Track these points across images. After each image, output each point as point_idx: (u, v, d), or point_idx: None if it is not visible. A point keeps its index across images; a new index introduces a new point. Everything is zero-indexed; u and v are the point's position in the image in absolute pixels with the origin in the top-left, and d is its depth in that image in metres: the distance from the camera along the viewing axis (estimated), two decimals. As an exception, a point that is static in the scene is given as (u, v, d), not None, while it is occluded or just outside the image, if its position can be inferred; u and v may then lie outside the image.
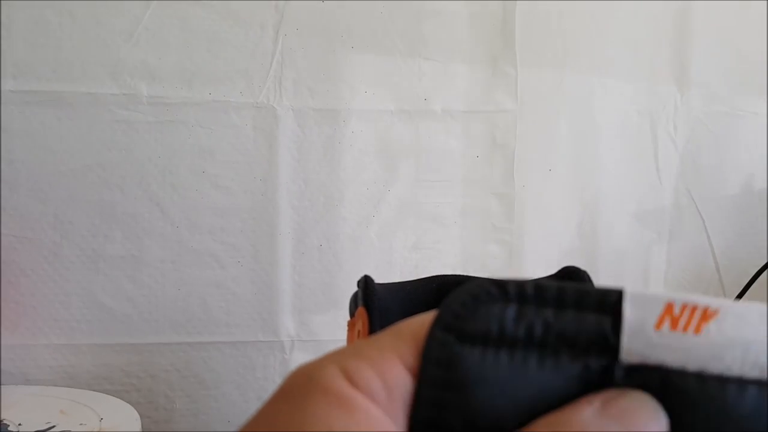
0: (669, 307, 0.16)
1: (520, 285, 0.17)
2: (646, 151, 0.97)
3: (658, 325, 0.16)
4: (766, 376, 0.16)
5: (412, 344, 0.16)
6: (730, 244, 0.99)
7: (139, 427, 0.66)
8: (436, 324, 0.17)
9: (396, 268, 0.88)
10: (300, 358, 0.84)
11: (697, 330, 0.16)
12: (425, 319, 0.17)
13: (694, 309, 0.16)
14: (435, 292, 0.55)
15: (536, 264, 0.92)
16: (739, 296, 0.81)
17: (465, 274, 0.57)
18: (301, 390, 0.15)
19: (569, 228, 0.95)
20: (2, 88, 0.75)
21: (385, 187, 0.88)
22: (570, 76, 0.93)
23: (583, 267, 0.54)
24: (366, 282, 0.50)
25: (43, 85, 0.76)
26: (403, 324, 0.17)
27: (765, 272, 0.80)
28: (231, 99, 0.82)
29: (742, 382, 0.16)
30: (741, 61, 0.98)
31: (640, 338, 0.16)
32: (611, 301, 0.17)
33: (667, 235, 0.98)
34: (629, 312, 0.16)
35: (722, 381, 0.16)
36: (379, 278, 0.58)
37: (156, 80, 0.79)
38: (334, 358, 0.16)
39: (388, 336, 0.16)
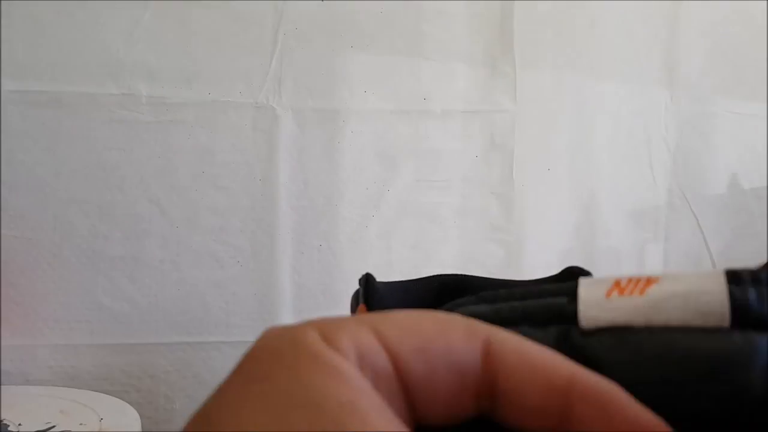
0: (617, 282, 0.18)
1: (494, 292, 0.20)
2: (640, 152, 0.97)
3: (608, 294, 0.18)
4: (707, 323, 0.17)
5: (393, 327, 0.16)
6: (727, 243, 0.99)
7: (139, 427, 0.66)
8: None
9: (395, 268, 0.88)
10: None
11: (642, 292, 0.18)
12: (416, 316, 0.17)
13: (638, 279, 0.18)
14: (435, 291, 0.55)
15: (535, 263, 0.92)
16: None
17: (465, 273, 0.57)
18: (290, 355, 0.15)
19: (567, 227, 0.95)
20: (2, 88, 0.75)
21: (385, 186, 0.88)
22: (568, 77, 0.93)
23: (580, 266, 0.54)
24: (367, 280, 0.50)
25: (43, 85, 0.76)
26: (391, 312, 0.17)
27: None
28: (230, 99, 0.82)
29: (687, 330, 0.17)
30: (730, 63, 0.98)
31: (593, 305, 0.18)
32: (569, 288, 0.19)
33: (662, 234, 0.99)
34: (583, 290, 0.19)
35: (669, 330, 0.17)
36: (378, 278, 0.58)
37: (155, 80, 0.79)
38: (313, 323, 0.16)
39: (373, 315, 0.17)
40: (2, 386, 0.74)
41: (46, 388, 0.75)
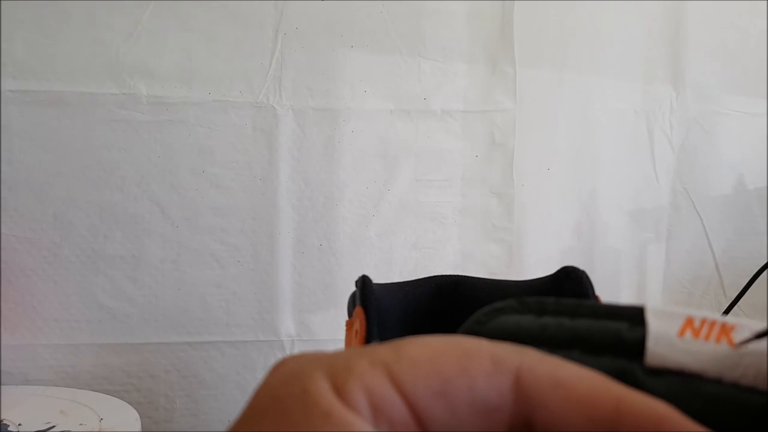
0: (689, 321, 0.17)
1: (540, 300, 0.18)
2: (643, 151, 0.97)
3: (682, 332, 0.17)
4: None
5: (408, 368, 0.15)
6: (730, 243, 0.99)
7: (139, 427, 0.66)
8: (461, 330, 0.18)
9: (396, 268, 0.88)
10: (300, 357, 0.84)
11: (717, 340, 0.17)
12: (431, 344, 0.15)
13: (713, 323, 0.17)
14: (433, 292, 0.55)
15: (535, 263, 0.92)
16: (740, 296, 0.82)
17: (463, 274, 0.57)
18: (300, 413, 0.14)
19: (568, 227, 0.95)
20: (2, 88, 0.75)
21: (385, 186, 0.88)
22: (568, 76, 0.93)
23: (581, 266, 0.54)
24: (363, 282, 0.50)
25: (43, 85, 0.76)
26: (406, 343, 0.16)
27: (765, 272, 0.80)
28: (230, 98, 0.82)
29: (757, 392, 0.16)
30: (734, 61, 0.98)
31: (664, 342, 0.17)
32: (629, 311, 0.18)
33: (665, 234, 0.98)
34: (653, 320, 0.17)
35: (740, 388, 0.16)
36: (378, 278, 0.58)
37: (155, 80, 0.79)
38: (324, 367, 0.15)
39: (386, 352, 0.15)
40: (2, 386, 0.74)
41: (46, 388, 0.75)
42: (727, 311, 0.83)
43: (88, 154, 0.78)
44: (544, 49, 0.92)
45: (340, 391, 0.14)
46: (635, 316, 0.18)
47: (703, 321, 0.17)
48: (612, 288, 0.97)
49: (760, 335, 0.17)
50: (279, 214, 0.84)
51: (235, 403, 0.82)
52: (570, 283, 0.51)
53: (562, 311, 0.18)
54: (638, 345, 0.17)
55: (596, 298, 0.51)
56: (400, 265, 0.88)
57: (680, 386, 0.17)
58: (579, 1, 0.92)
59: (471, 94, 0.90)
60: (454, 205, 0.90)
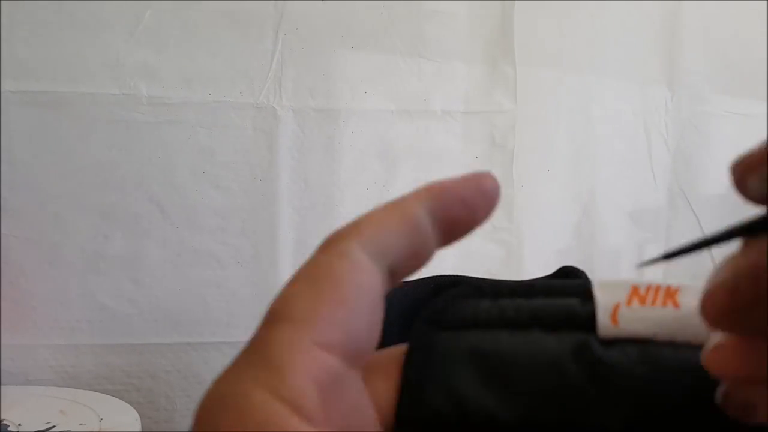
0: (635, 289, 0.18)
1: (495, 284, 0.20)
2: (640, 152, 0.97)
3: (629, 301, 0.18)
4: None
5: (325, 317, 0.17)
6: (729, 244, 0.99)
7: (139, 427, 0.66)
8: (420, 319, 0.19)
9: (396, 268, 0.88)
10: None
11: (664, 304, 0.18)
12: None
13: (657, 288, 0.18)
14: (432, 292, 0.55)
15: (535, 263, 0.92)
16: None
17: (462, 274, 0.57)
18: (239, 424, 0.15)
19: (567, 227, 0.95)
20: (2, 88, 0.75)
21: (386, 187, 0.88)
22: (568, 77, 0.93)
23: (580, 267, 0.54)
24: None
25: (43, 85, 0.76)
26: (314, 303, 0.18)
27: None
28: (231, 99, 0.82)
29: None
30: (728, 63, 0.98)
31: (613, 313, 0.18)
32: (578, 287, 0.19)
33: (663, 234, 0.99)
34: (600, 294, 0.18)
35: (693, 348, 0.17)
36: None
37: (156, 80, 0.79)
38: (264, 381, 0.16)
39: (297, 322, 0.17)
40: (2, 386, 0.74)
41: (46, 388, 0.75)
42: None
43: (88, 154, 0.78)
44: (544, 50, 0.92)
45: (283, 397, 0.15)
46: (585, 291, 0.18)
47: (648, 288, 0.18)
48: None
49: (667, 256, 0.17)
50: (279, 215, 0.84)
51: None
52: (569, 283, 0.51)
53: (518, 292, 0.19)
54: (591, 319, 0.18)
55: None
56: (400, 265, 0.88)
57: (636, 354, 0.17)
58: (578, 2, 0.93)
59: (471, 95, 0.90)
60: (455, 205, 0.90)
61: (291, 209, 0.84)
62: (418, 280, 0.58)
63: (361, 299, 0.17)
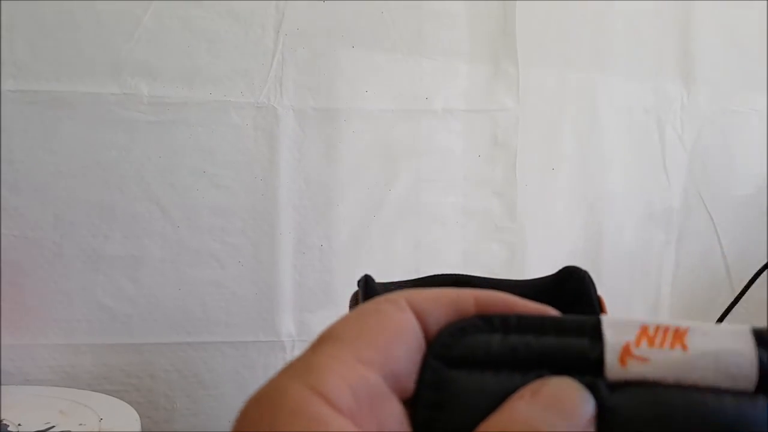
0: (644, 329, 0.18)
1: (504, 317, 0.19)
2: (653, 151, 0.96)
3: (638, 342, 0.18)
4: (737, 385, 0.17)
5: (368, 339, 0.18)
6: (741, 246, 0.98)
7: (138, 427, 0.66)
8: (429, 353, 0.19)
9: (397, 268, 0.88)
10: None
11: (672, 346, 0.18)
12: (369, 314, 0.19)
13: (666, 329, 0.18)
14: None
15: (539, 264, 0.91)
16: (740, 295, 0.81)
17: (465, 273, 0.57)
18: (271, 413, 0.16)
19: (573, 228, 0.94)
20: (2, 88, 0.75)
21: (386, 186, 0.87)
22: (573, 74, 0.93)
23: (587, 268, 0.54)
24: (366, 281, 0.50)
25: (43, 85, 0.76)
26: (350, 323, 0.19)
27: (766, 272, 0.79)
28: (231, 99, 0.82)
29: (718, 392, 0.17)
30: (746, 57, 0.97)
31: (621, 355, 0.18)
32: (589, 326, 0.18)
33: (675, 236, 0.97)
34: (609, 333, 0.18)
35: (701, 391, 0.17)
36: (380, 278, 0.58)
37: (156, 80, 0.79)
38: (300, 377, 0.17)
39: (342, 341, 0.18)
40: (2, 386, 0.74)
41: (46, 388, 0.75)
42: (727, 311, 0.82)
43: (88, 154, 0.78)
44: (547, 48, 0.92)
45: (321, 393, 0.16)
46: (594, 330, 0.18)
47: (657, 328, 0.18)
48: (621, 292, 0.96)
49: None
50: (280, 215, 0.84)
51: (235, 403, 0.82)
52: (572, 282, 0.51)
53: (528, 328, 0.19)
54: (600, 362, 0.18)
55: (599, 298, 0.50)
56: (401, 265, 0.88)
57: (642, 398, 0.17)
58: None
59: (473, 94, 0.89)
60: (456, 205, 0.90)
61: (291, 209, 0.84)
62: (421, 278, 0.58)
63: (403, 334, 0.19)
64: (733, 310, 0.83)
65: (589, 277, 0.53)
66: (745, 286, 0.80)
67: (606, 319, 0.18)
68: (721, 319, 0.83)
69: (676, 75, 0.95)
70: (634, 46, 0.94)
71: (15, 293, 0.77)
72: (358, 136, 0.86)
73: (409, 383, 0.18)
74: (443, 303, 0.20)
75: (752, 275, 0.81)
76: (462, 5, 0.88)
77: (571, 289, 0.51)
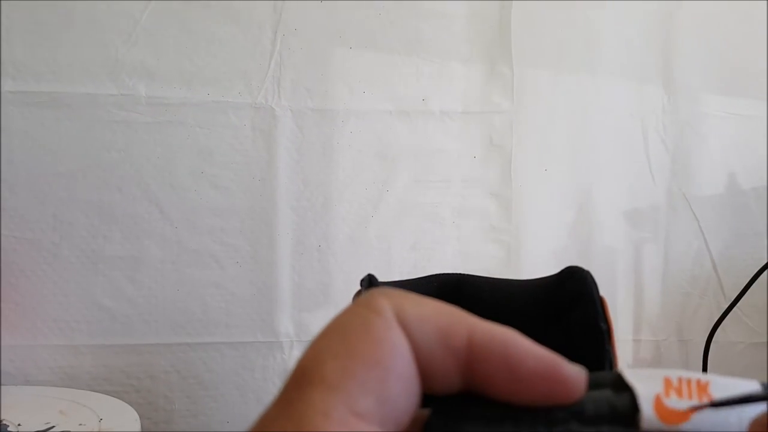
0: (668, 381, 0.18)
1: (503, 413, 0.18)
2: (638, 152, 0.98)
3: (667, 393, 0.17)
4: None
5: (360, 381, 0.16)
6: (727, 244, 0.99)
7: (138, 427, 0.66)
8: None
9: (395, 268, 0.88)
10: (299, 358, 0.84)
11: (700, 398, 0.17)
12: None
13: (689, 381, 0.18)
14: (436, 290, 0.55)
15: (534, 263, 0.92)
16: (739, 297, 0.82)
17: (465, 273, 0.57)
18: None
19: (565, 227, 0.95)
20: (2, 89, 0.75)
21: (384, 187, 0.88)
22: (565, 78, 0.94)
23: (579, 266, 0.55)
24: (370, 280, 0.51)
25: (43, 85, 0.76)
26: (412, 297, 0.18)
27: (765, 273, 0.80)
28: (229, 99, 0.82)
29: None
30: (724, 64, 0.99)
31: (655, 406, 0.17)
32: (608, 379, 0.18)
33: (663, 234, 0.99)
34: (637, 384, 0.18)
35: None
36: (378, 278, 0.58)
37: (154, 81, 0.80)
38: (342, 394, 0.16)
39: (330, 388, 0.16)
40: (2, 386, 0.74)
41: (45, 388, 0.75)
42: (726, 312, 0.83)
43: (87, 154, 0.78)
44: (541, 51, 0.92)
45: (359, 413, 0.16)
46: (616, 382, 0.18)
47: (680, 380, 0.18)
48: (609, 288, 0.97)
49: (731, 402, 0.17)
50: (278, 215, 0.84)
51: (234, 404, 0.82)
52: (573, 282, 0.52)
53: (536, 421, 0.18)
54: (630, 412, 0.17)
55: (601, 299, 0.51)
56: (399, 265, 0.88)
57: None
58: (575, 3, 0.93)
59: (469, 96, 0.90)
60: (453, 205, 0.91)
61: (289, 209, 0.85)
62: (421, 278, 0.58)
63: (396, 365, 0.17)
64: (727, 309, 0.84)
65: (591, 277, 0.54)
66: (741, 291, 0.81)
67: (627, 371, 0.18)
68: (718, 323, 0.83)
69: (657, 80, 0.97)
70: (621, 52, 0.96)
71: (15, 293, 0.77)
72: (355, 137, 0.86)
73: (404, 417, 0.17)
74: (434, 327, 0.17)
75: (746, 274, 0.82)
76: (459, 7, 0.89)
77: (573, 289, 0.51)
